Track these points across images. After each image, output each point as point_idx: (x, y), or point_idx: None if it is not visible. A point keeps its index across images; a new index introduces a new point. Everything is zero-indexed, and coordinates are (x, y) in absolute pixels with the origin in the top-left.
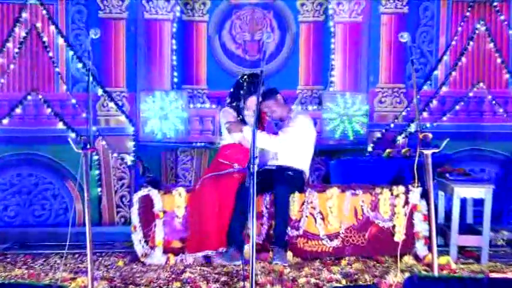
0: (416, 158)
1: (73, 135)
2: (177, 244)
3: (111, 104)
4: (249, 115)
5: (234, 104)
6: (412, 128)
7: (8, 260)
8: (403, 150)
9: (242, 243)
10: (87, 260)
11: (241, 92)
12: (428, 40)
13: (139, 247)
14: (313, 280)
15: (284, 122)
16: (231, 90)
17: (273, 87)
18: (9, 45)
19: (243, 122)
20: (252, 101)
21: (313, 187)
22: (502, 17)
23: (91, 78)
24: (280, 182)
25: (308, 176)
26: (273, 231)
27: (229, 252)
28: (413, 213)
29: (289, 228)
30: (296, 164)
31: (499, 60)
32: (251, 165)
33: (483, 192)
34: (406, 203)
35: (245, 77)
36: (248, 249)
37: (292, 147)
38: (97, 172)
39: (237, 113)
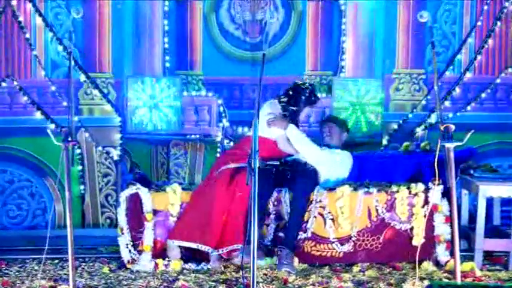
0: (437, 153)
1: (52, 126)
2: None
3: (95, 92)
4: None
5: (287, 105)
6: (433, 118)
7: None
8: (423, 144)
9: (260, 242)
10: (68, 267)
11: (302, 98)
12: (451, 20)
13: (126, 252)
14: None
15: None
16: (289, 92)
17: (346, 121)
18: None
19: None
20: (306, 112)
21: (322, 185)
22: None
23: (72, 63)
24: (301, 176)
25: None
26: (284, 232)
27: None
28: (433, 214)
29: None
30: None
31: None
32: (252, 161)
33: None
34: (426, 202)
35: (309, 85)
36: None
37: (328, 169)
38: (79, 168)
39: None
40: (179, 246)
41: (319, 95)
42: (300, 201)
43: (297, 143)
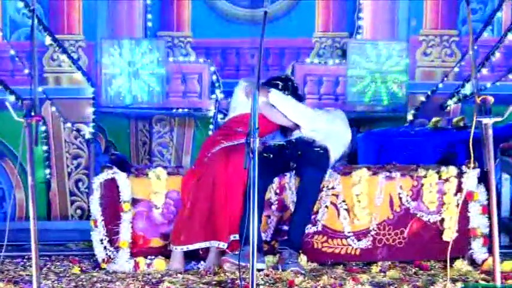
0: (473, 130)
1: (12, 98)
2: (157, 243)
3: (63, 57)
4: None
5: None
6: (467, 89)
7: None
8: (455, 120)
9: (260, 240)
10: (31, 266)
11: (291, 89)
12: None
13: (100, 249)
14: None
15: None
16: (277, 79)
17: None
18: None
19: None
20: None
21: (335, 168)
22: None
23: (36, 22)
24: (311, 162)
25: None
26: (289, 228)
27: (245, 251)
28: (468, 203)
29: None
30: (323, 141)
31: None
32: (251, 140)
33: None
34: (459, 189)
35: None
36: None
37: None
38: (44, 148)
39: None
40: (184, 252)
41: (330, 61)
42: (310, 192)
43: (284, 107)
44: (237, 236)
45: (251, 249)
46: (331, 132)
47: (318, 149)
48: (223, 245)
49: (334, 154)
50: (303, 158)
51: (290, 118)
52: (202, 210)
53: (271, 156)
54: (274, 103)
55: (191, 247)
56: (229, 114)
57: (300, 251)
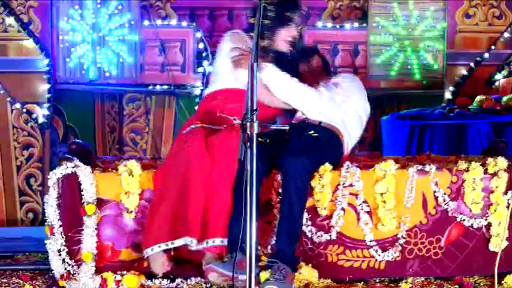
0: None
1: None
2: (128, 255)
3: (10, 20)
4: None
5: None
6: None
7: None
8: (506, 98)
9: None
10: None
11: (265, 22)
12: None
13: (58, 262)
14: None
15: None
16: (249, 20)
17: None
18: None
19: None
20: (285, 35)
21: (353, 160)
22: None
23: None
24: (292, 150)
25: (352, 146)
26: (276, 238)
27: (237, 259)
28: None
29: (313, 230)
30: (331, 122)
31: None
32: (247, 123)
33: None
34: (510, 187)
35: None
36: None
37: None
38: None
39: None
40: (164, 253)
41: (347, 25)
42: (291, 187)
43: (278, 90)
44: (225, 241)
45: (248, 257)
46: (343, 114)
47: (314, 132)
48: (191, 241)
49: (351, 140)
50: (287, 146)
51: (288, 103)
52: (170, 201)
53: (268, 141)
54: (267, 83)
55: (159, 247)
56: (208, 88)
57: (296, 267)
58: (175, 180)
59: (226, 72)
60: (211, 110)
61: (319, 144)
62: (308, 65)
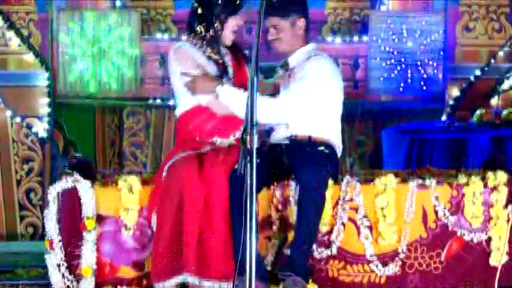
0: None
1: None
2: (127, 272)
3: (10, 34)
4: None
5: (198, 36)
6: None
7: None
8: (506, 112)
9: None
10: None
11: (213, 11)
12: None
13: (58, 277)
14: None
15: (289, 70)
16: (191, 10)
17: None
18: None
19: (220, 70)
20: (235, 23)
21: (353, 174)
22: None
23: None
24: (310, 163)
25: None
26: (290, 249)
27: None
28: None
29: (314, 246)
30: (321, 133)
31: None
32: (247, 138)
33: None
34: (510, 200)
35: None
36: None
37: (309, 111)
38: None
39: (212, 59)
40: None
41: (348, 38)
42: (308, 200)
43: (238, 109)
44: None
45: (247, 278)
46: (316, 105)
47: (322, 147)
48: (191, 280)
49: (337, 122)
50: (300, 161)
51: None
52: (166, 237)
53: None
54: (228, 105)
55: (172, 282)
56: (178, 109)
57: (309, 279)
58: (170, 215)
59: (183, 93)
60: (190, 137)
61: (327, 157)
62: (290, 23)
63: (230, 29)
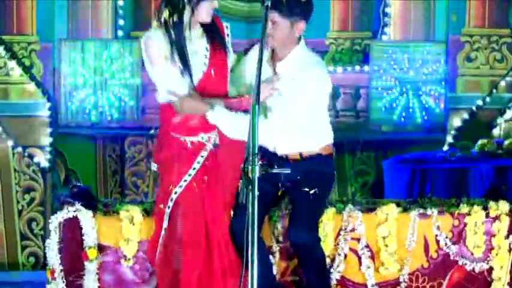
0: None
1: None
2: None
3: (12, 64)
4: (199, 52)
5: (169, 24)
6: None
7: None
8: (507, 142)
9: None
10: None
11: None
12: None
13: None
14: None
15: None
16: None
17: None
18: None
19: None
20: (208, 5)
21: (355, 203)
22: None
23: None
24: (298, 222)
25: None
26: None
27: None
28: None
29: None
30: (312, 146)
31: None
32: (248, 167)
33: None
34: None
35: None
36: None
37: (298, 129)
38: None
39: (176, 45)
40: None
41: (349, 68)
42: (309, 262)
43: (234, 133)
44: None
45: None
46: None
47: (308, 189)
48: None
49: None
50: (290, 215)
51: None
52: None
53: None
54: (222, 130)
55: None
56: (157, 96)
57: None
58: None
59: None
60: (176, 132)
61: (319, 196)
62: (289, 22)
63: (205, 12)
